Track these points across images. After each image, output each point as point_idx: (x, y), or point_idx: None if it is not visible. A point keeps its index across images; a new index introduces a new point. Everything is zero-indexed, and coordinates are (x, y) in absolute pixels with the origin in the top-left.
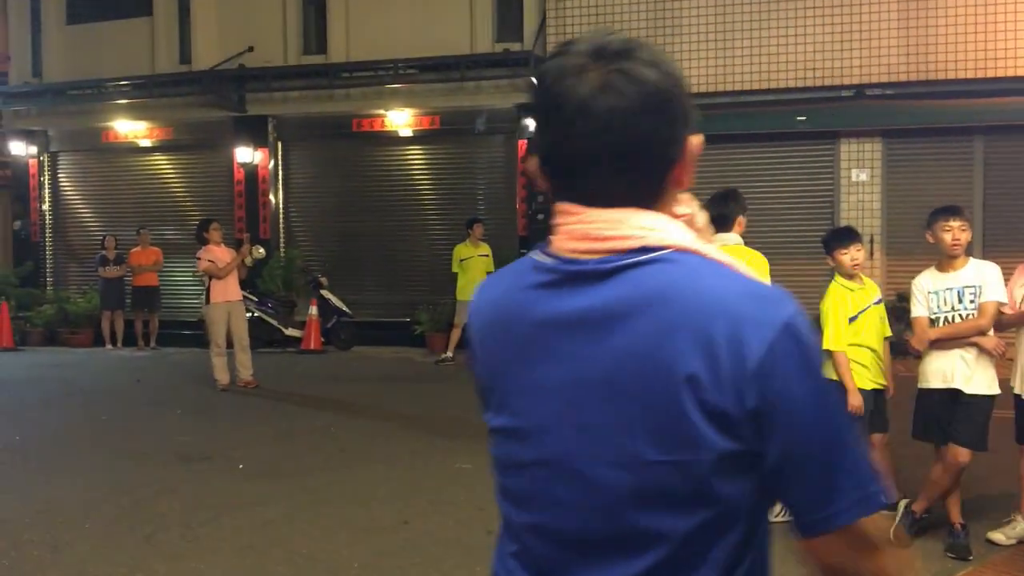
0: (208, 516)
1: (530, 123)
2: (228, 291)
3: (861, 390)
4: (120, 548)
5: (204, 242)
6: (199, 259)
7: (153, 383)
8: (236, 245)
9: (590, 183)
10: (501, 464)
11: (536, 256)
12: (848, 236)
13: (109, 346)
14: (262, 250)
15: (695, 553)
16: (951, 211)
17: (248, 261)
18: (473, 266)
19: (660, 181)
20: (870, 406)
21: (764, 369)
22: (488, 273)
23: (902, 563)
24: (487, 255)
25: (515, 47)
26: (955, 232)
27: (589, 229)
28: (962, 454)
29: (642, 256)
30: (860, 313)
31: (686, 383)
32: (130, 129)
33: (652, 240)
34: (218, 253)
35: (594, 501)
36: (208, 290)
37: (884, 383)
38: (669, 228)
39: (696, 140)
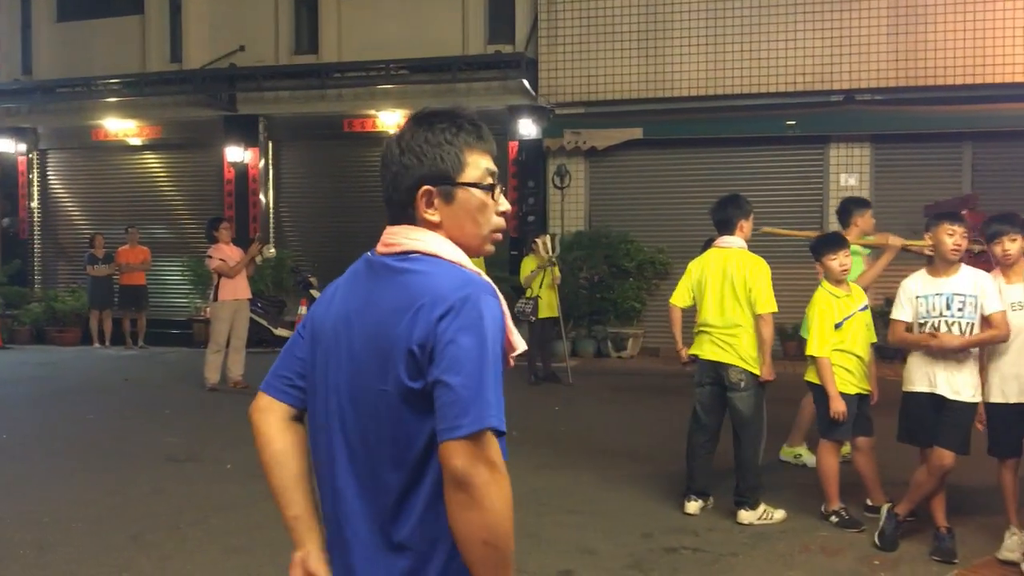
0: (196, 516)
1: (522, 125)
2: (238, 289)
3: (845, 395)
4: (107, 548)
5: (214, 240)
6: (209, 257)
7: (141, 382)
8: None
9: (388, 209)
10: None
11: (369, 253)
12: (837, 243)
13: (97, 345)
14: (273, 249)
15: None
16: (957, 217)
17: (259, 259)
18: None
19: (410, 217)
20: (854, 410)
21: (438, 324)
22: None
23: (503, 481)
24: (493, 252)
25: (507, 49)
26: (957, 238)
27: (384, 238)
28: (946, 457)
29: (404, 256)
30: (846, 319)
31: (402, 341)
32: (120, 127)
33: (409, 247)
34: (227, 251)
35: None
36: (217, 288)
37: (869, 388)
38: (425, 239)
39: (419, 193)
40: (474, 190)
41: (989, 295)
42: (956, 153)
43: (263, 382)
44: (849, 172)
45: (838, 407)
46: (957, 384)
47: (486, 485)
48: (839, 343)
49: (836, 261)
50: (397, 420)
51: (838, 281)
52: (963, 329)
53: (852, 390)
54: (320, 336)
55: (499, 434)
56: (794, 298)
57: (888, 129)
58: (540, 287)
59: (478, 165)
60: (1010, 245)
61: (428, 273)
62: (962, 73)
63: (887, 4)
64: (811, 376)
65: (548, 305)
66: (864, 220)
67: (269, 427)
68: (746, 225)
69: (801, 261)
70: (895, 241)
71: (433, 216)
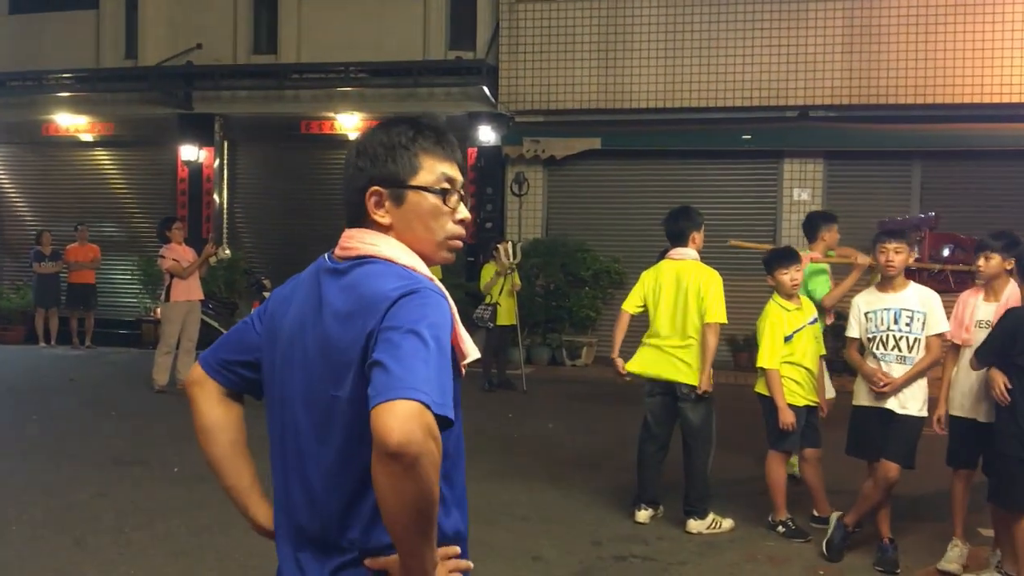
0: (141, 520)
1: (482, 132)
2: (191, 290)
3: (794, 406)
4: (49, 552)
5: (166, 240)
6: (162, 257)
7: (88, 383)
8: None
9: (346, 212)
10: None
11: (326, 257)
12: (789, 257)
13: (43, 344)
14: (228, 251)
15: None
16: (890, 234)
17: (213, 261)
18: None
19: (364, 220)
20: (802, 422)
21: (382, 320)
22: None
23: (438, 451)
24: (452, 260)
25: (468, 56)
26: (889, 254)
27: (342, 242)
28: (891, 470)
29: (358, 261)
30: (795, 332)
31: (353, 347)
32: (72, 123)
33: (364, 251)
34: (180, 251)
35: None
36: (169, 288)
37: (817, 400)
38: (379, 243)
39: (368, 194)
40: (426, 194)
41: (936, 315)
42: (906, 171)
43: (202, 354)
44: (802, 187)
45: (787, 419)
46: (904, 398)
47: (423, 455)
48: (788, 356)
49: (787, 275)
50: (348, 426)
51: (788, 295)
52: (910, 344)
53: (800, 402)
54: (277, 338)
55: (444, 423)
56: (746, 310)
57: (840, 146)
58: (499, 294)
59: (433, 170)
60: (893, 256)
61: (377, 277)
62: (913, 93)
63: (841, 23)
64: (760, 388)
65: (506, 312)
66: (831, 235)
67: (202, 401)
68: (698, 237)
69: (753, 273)
70: (863, 260)
71: (383, 218)
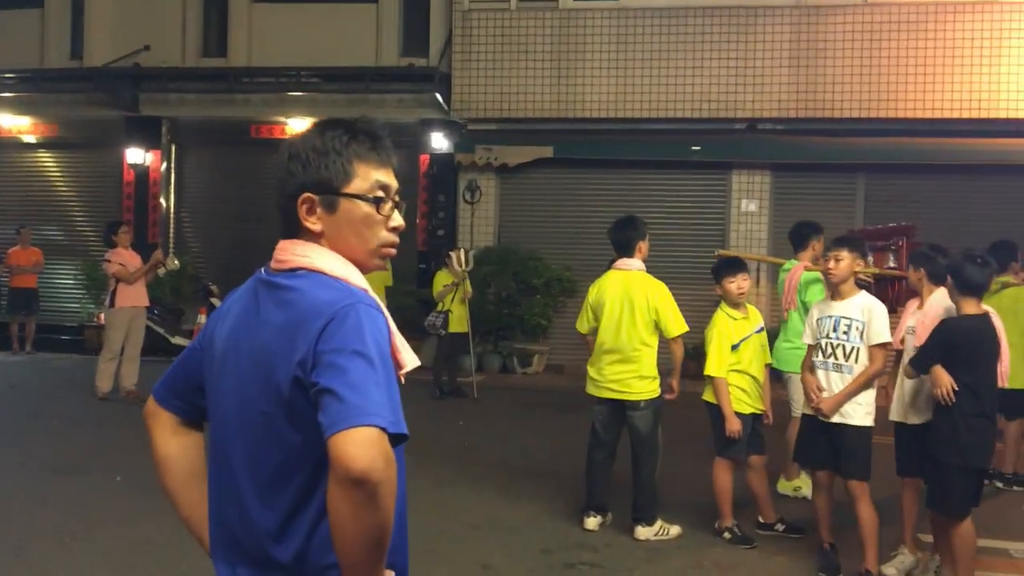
0: (82, 530)
1: (434, 139)
2: (136, 296)
3: (740, 414)
4: None
5: (112, 245)
6: (108, 261)
7: (28, 389)
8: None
9: (280, 223)
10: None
11: (262, 271)
12: (736, 266)
13: None
14: (177, 262)
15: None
16: (837, 241)
17: (161, 272)
18: (368, 278)
19: (294, 227)
20: (748, 429)
21: (318, 338)
22: (386, 287)
23: (395, 479)
24: (386, 268)
25: (421, 62)
26: (831, 262)
27: (275, 254)
28: (854, 488)
29: (291, 273)
30: (742, 341)
31: (285, 361)
32: (14, 123)
33: (297, 263)
34: (126, 256)
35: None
36: (114, 294)
37: (763, 408)
38: (312, 254)
39: (300, 200)
40: (359, 202)
41: (875, 325)
42: (850, 183)
43: (155, 385)
44: (750, 198)
45: (733, 426)
46: (845, 408)
47: (385, 482)
48: (735, 364)
49: (734, 284)
50: (280, 442)
51: (735, 304)
52: (847, 352)
53: (747, 410)
54: (213, 356)
55: (397, 439)
56: (694, 318)
57: (787, 158)
58: (452, 301)
59: (368, 177)
60: (833, 263)
61: (309, 290)
62: (857, 107)
63: (789, 39)
64: (708, 396)
65: (458, 319)
66: (819, 245)
67: (157, 432)
68: (644, 246)
69: (700, 282)
70: (855, 268)
71: (314, 225)
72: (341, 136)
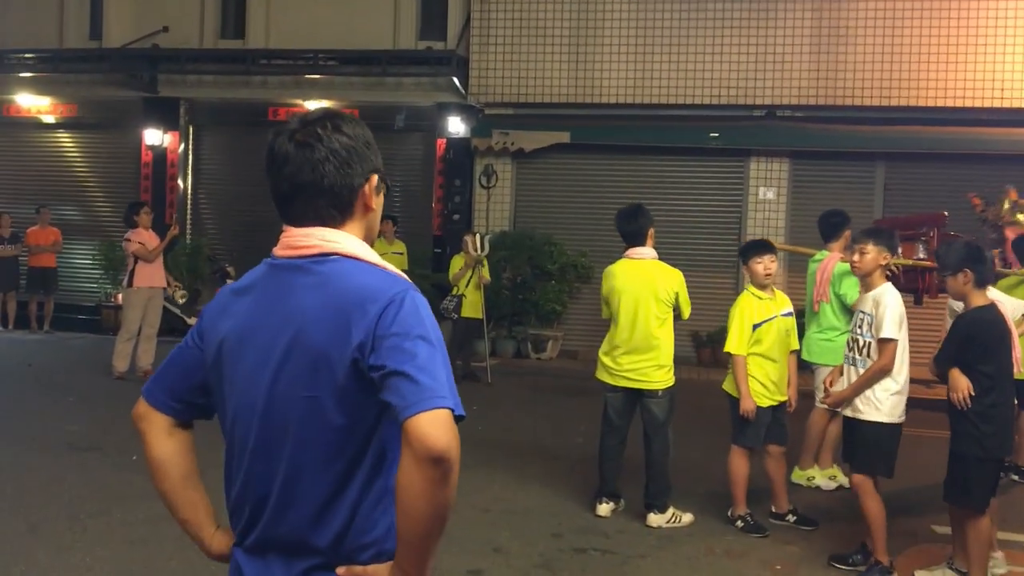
0: (97, 508)
1: (451, 123)
2: (153, 276)
3: (759, 407)
4: (2, 537)
5: (133, 225)
6: (128, 240)
7: (46, 368)
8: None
9: (292, 210)
10: None
11: (271, 259)
12: (764, 247)
13: (0, 328)
14: (183, 292)
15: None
16: (864, 233)
17: (176, 295)
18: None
19: (345, 208)
20: (767, 419)
21: (379, 322)
22: (404, 271)
23: (454, 461)
24: (401, 252)
25: (438, 46)
26: (856, 255)
27: (290, 241)
28: (853, 479)
29: (319, 258)
30: (765, 321)
31: (337, 345)
32: (33, 103)
33: (327, 248)
34: (146, 237)
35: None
36: (132, 273)
37: (784, 398)
38: (342, 240)
39: (374, 179)
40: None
41: (884, 318)
42: (869, 172)
43: (145, 386)
44: (768, 186)
45: (747, 406)
46: (855, 402)
47: (456, 461)
48: (756, 347)
49: (761, 264)
50: (326, 427)
51: (762, 285)
52: (861, 347)
53: (765, 403)
54: (223, 349)
55: (459, 419)
56: (708, 306)
57: (806, 145)
58: (466, 286)
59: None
60: (858, 256)
61: (352, 274)
62: (878, 95)
63: (809, 24)
64: (728, 386)
65: (471, 304)
66: (851, 234)
67: (151, 435)
68: (652, 233)
69: (716, 270)
70: (891, 259)
71: (375, 204)
72: (365, 128)
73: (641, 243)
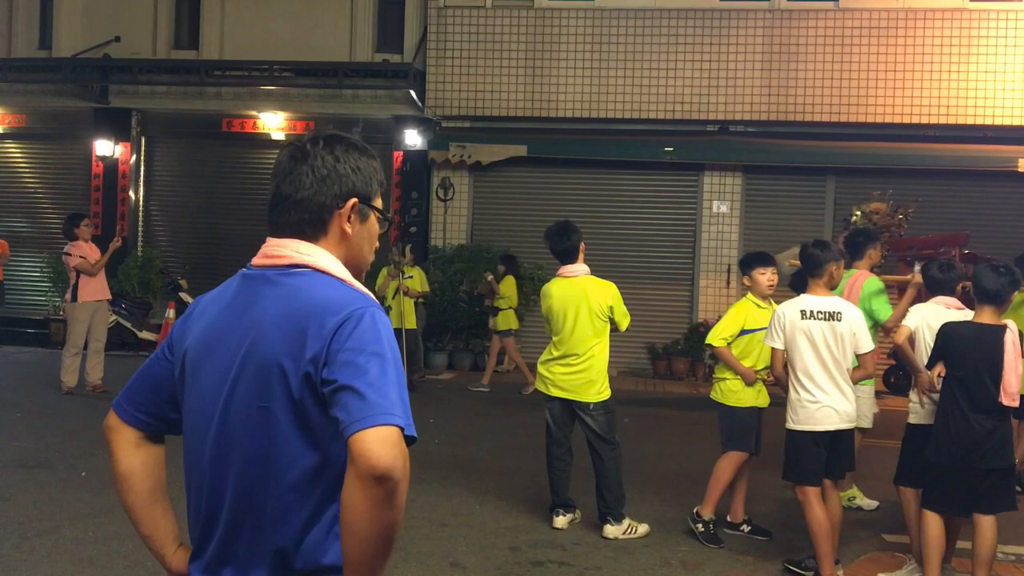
0: (46, 526)
1: (407, 136)
2: (98, 290)
3: (744, 408)
4: None
5: (73, 237)
6: (68, 254)
7: None
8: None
9: (274, 219)
10: None
11: (246, 269)
12: (767, 259)
13: None
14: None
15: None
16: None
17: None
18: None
19: (317, 224)
20: (755, 421)
21: (334, 336)
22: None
23: (407, 480)
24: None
25: (395, 59)
26: (769, 275)
27: (268, 250)
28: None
29: (289, 269)
30: (755, 330)
31: (291, 356)
32: None
33: (298, 260)
34: (86, 249)
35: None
36: (76, 287)
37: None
38: (315, 254)
39: (350, 203)
40: (376, 216)
41: (861, 333)
42: (820, 186)
43: (116, 398)
44: (721, 200)
45: (750, 377)
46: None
47: (403, 481)
48: (739, 354)
49: (765, 276)
50: (278, 438)
51: (764, 295)
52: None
53: (748, 402)
54: (192, 359)
55: (410, 440)
56: (662, 319)
57: (759, 160)
58: (392, 297)
59: (379, 199)
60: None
61: (316, 287)
62: (828, 111)
63: (761, 42)
64: (715, 395)
65: (396, 316)
66: (876, 253)
67: (118, 447)
68: (583, 247)
69: (669, 282)
70: (918, 278)
71: (350, 229)
72: (371, 157)
73: (573, 260)
